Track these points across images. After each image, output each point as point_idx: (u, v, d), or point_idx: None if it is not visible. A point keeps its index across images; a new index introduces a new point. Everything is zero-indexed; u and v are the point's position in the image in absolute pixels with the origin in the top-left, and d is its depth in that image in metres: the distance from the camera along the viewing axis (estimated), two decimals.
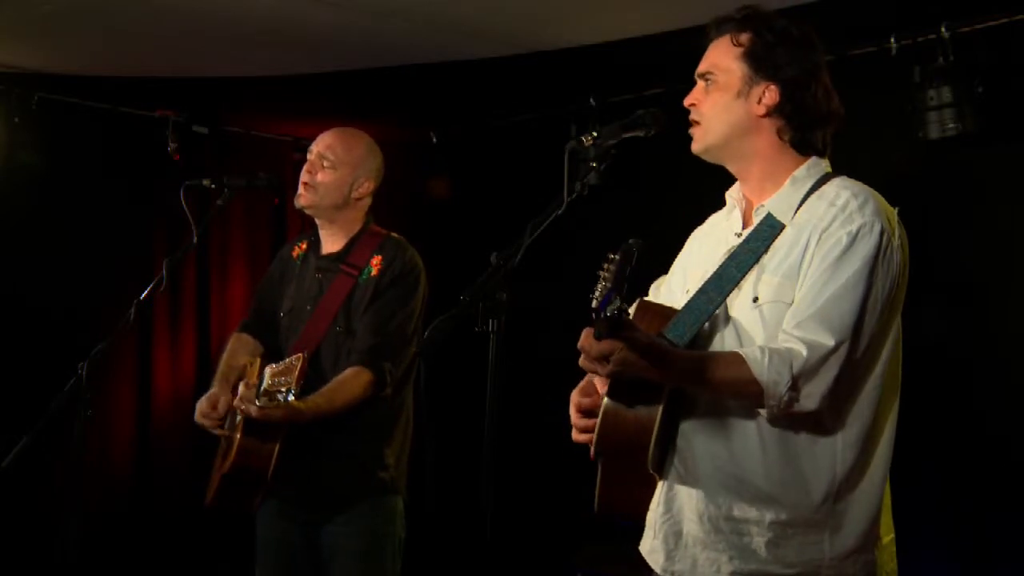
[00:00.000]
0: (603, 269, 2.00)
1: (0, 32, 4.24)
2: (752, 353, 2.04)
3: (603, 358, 2.00)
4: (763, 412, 2.07)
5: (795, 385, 2.01)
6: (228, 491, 3.16)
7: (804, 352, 2.02)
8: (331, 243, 3.42)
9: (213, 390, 3.25)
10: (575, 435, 2.26)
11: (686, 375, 2.07)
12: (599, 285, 1.97)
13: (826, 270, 2.07)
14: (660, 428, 2.09)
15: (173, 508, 5.11)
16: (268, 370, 3.09)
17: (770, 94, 2.20)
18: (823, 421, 2.09)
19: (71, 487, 3.08)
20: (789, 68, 2.19)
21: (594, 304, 1.94)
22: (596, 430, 2.13)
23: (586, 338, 2.00)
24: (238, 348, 3.41)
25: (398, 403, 3.31)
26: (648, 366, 2.00)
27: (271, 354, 3.34)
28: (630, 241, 2.03)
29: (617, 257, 2.01)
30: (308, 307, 3.34)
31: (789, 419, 2.08)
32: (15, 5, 3.97)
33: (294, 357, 3.06)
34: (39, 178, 4.76)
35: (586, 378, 2.32)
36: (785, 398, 2.02)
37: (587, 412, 2.23)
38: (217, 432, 3.21)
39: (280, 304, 3.44)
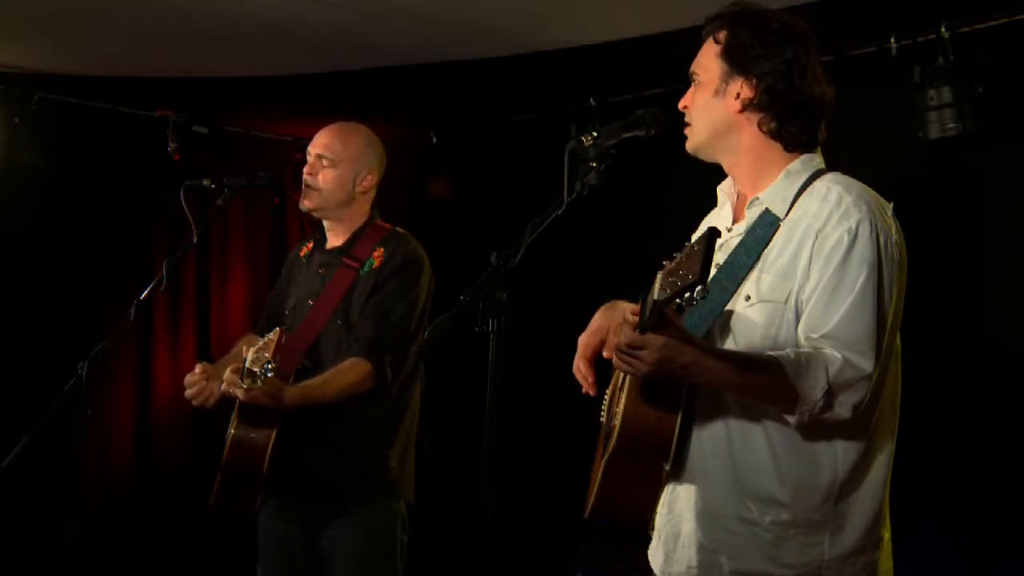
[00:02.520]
0: (672, 259, 1.91)
1: (0, 32, 4.24)
2: (787, 356, 2.01)
3: (644, 352, 1.93)
4: (791, 419, 2.03)
5: (831, 391, 1.99)
6: (227, 487, 3.13)
7: (839, 358, 2.00)
8: (335, 238, 3.41)
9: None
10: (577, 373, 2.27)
11: (730, 373, 2.01)
12: (669, 274, 1.87)
13: (834, 274, 2.05)
14: (680, 430, 2.08)
15: (173, 508, 5.11)
16: (251, 351, 3.05)
17: (746, 89, 2.19)
18: (827, 422, 2.07)
19: (71, 487, 3.07)
20: (765, 61, 2.17)
21: (656, 296, 1.86)
22: (617, 429, 2.09)
23: (626, 331, 1.96)
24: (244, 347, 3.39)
25: (403, 402, 3.28)
26: (697, 360, 1.96)
27: None
28: (710, 228, 1.91)
29: (698, 247, 1.86)
30: (310, 301, 3.33)
31: (816, 424, 2.05)
32: (15, 5, 3.97)
33: (272, 333, 3.03)
34: (39, 178, 4.75)
35: (595, 324, 2.29)
36: (820, 403, 2.00)
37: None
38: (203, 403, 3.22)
39: (286, 303, 3.43)
